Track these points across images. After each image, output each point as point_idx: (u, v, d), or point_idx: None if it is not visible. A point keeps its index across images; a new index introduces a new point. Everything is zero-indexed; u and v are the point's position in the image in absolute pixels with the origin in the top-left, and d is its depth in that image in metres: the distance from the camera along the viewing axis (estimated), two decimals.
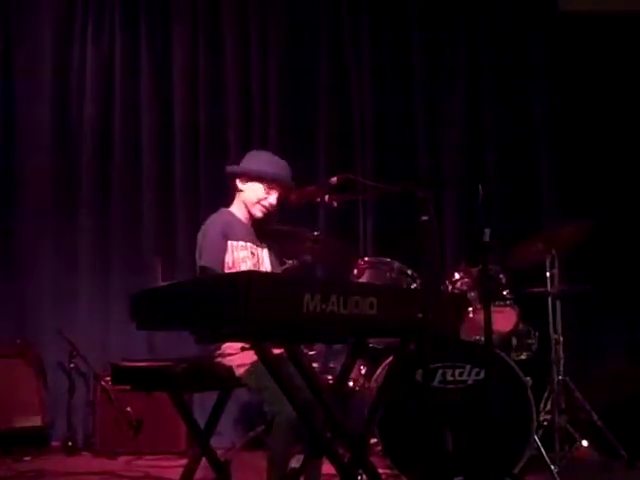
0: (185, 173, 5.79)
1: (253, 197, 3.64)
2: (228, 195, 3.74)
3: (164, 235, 5.69)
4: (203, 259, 3.44)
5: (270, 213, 3.67)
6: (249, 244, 3.58)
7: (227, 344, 3.28)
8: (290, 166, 3.67)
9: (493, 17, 5.80)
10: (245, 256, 3.52)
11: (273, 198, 3.65)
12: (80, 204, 5.74)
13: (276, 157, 3.72)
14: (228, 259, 3.48)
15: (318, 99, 5.82)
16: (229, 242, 3.50)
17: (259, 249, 3.65)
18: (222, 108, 5.81)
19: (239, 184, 3.67)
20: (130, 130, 5.82)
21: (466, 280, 4.27)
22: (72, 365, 5.32)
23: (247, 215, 3.67)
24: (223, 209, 3.71)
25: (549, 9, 5.72)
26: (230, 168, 3.75)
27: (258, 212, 3.65)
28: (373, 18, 5.82)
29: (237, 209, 3.69)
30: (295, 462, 3.11)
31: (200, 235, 3.54)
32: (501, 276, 4.36)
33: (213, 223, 3.58)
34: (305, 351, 4.43)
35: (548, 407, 4.44)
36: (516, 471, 3.73)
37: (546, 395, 4.51)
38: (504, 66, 5.75)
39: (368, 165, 5.70)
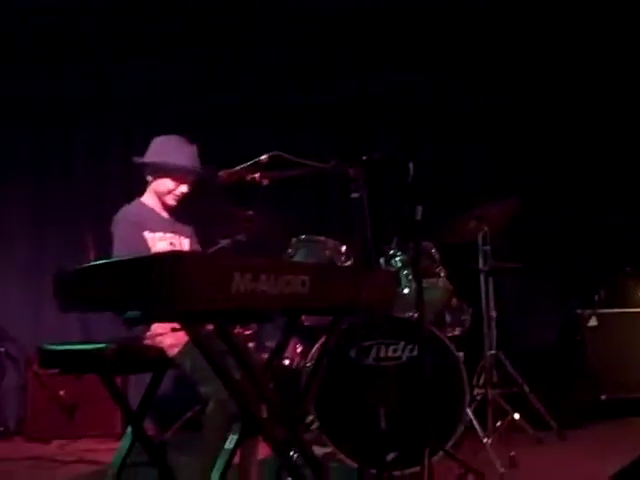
0: (118, 148, 5.68)
1: (163, 188, 3.61)
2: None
3: (96, 212, 5.56)
4: (115, 251, 3.37)
5: (185, 199, 3.61)
6: (168, 234, 3.54)
7: (156, 325, 3.24)
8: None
9: None
10: (164, 247, 3.46)
11: (184, 187, 3.61)
12: (12, 181, 5.58)
13: (183, 142, 3.62)
14: (147, 251, 3.40)
15: None
16: (146, 234, 3.45)
17: (180, 238, 3.61)
18: None
19: (148, 176, 3.63)
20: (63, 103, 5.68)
21: (400, 257, 4.29)
22: (2, 349, 5.21)
23: (161, 204, 3.63)
24: (137, 199, 3.65)
25: None
26: (136, 160, 3.65)
27: (171, 201, 3.62)
28: None
29: (151, 199, 3.65)
30: (229, 443, 3.09)
31: (112, 227, 3.46)
32: (434, 253, 4.40)
33: (125, 214, 3.50)
34: (241, 330, 4.41)
35: (481, 381, 4.51)
36: (449, 445, 3.78)
37: (479, 369, 4.58)
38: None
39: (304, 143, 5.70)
